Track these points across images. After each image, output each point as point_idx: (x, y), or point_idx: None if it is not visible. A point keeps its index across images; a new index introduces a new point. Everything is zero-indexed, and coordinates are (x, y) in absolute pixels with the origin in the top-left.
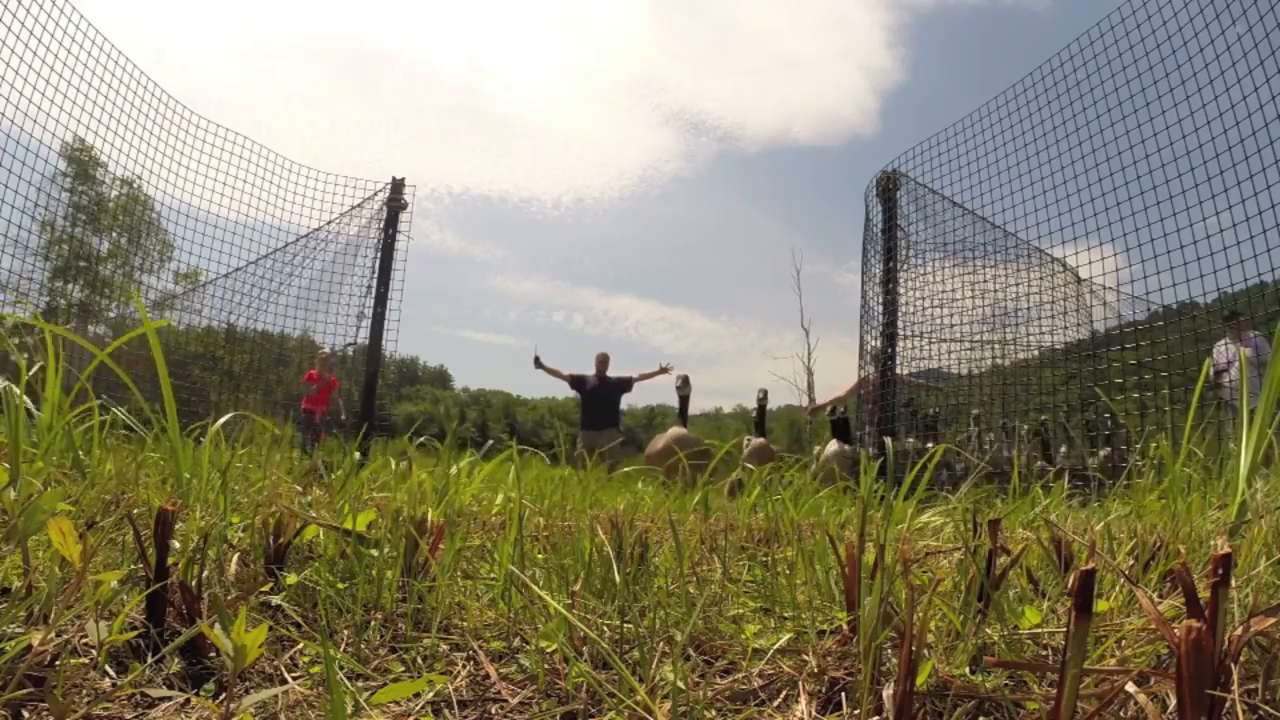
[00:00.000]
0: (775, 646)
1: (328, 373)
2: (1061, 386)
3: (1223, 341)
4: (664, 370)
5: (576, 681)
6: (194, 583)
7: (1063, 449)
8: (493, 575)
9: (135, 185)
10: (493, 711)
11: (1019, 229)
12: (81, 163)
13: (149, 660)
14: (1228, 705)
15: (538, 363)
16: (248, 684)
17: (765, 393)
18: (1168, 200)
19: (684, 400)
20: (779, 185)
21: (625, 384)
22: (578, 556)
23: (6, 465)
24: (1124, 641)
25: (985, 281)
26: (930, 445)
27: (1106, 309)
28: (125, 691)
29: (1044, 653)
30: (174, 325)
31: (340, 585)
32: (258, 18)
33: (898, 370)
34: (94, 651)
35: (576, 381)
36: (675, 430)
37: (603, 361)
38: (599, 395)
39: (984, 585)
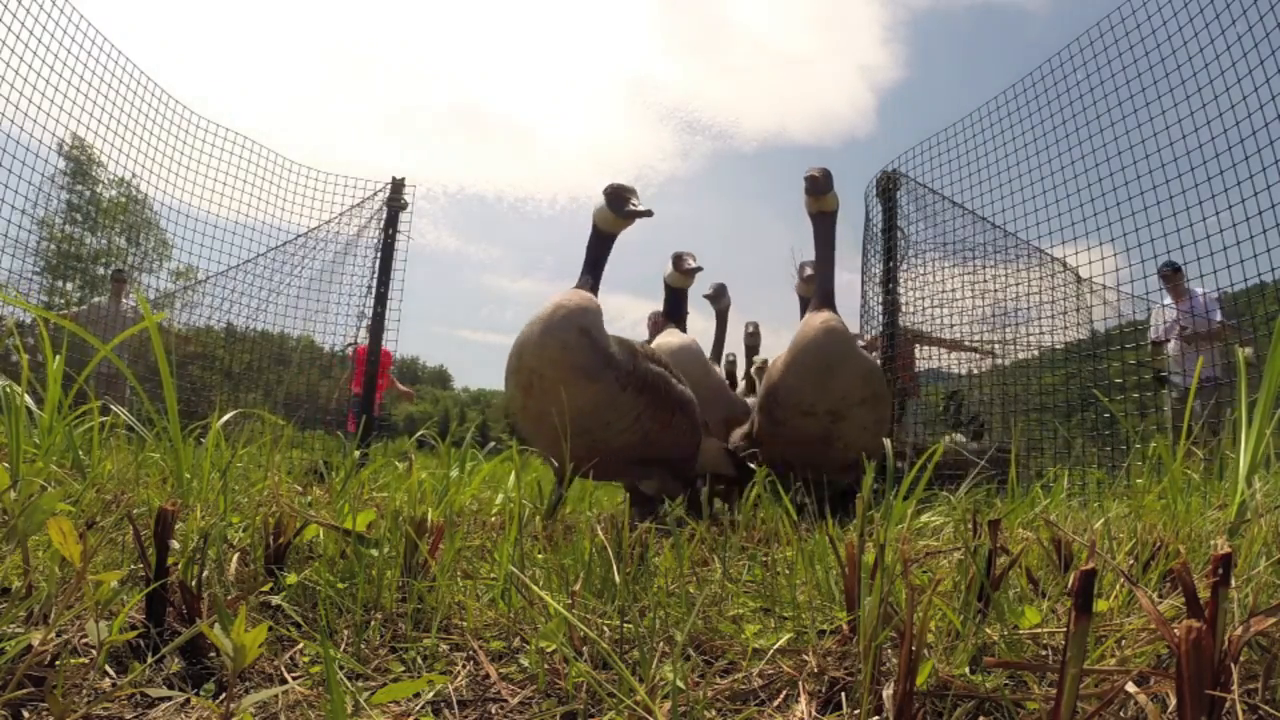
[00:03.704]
0: (775, 646)
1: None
2: (1061, 387)
3: (1160, 305)
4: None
5: (576, 681)
6: (194, 583)
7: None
8: (493, 575)
9: (133, 184)
10: (493, 711)
11: (1019, 229)
12: (79, 161)
13: (149, 660)
14: (1228, 705)
15: None
16: (248, 684)
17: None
18: (1168, 200)
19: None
20: (775, 184)
21: None
22: (578, 556)
23: (7, 465)
24: (1124, 641)
25: (985, 281)
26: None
27: (1106, 309)
28: (125, 691)
29: (1044, 653)
30: (174, 325)
31: (340, 585)
32: (255, 17)
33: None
34: (94, 651)
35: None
36: (669, 341)
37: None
38: None
39: (984, 585)
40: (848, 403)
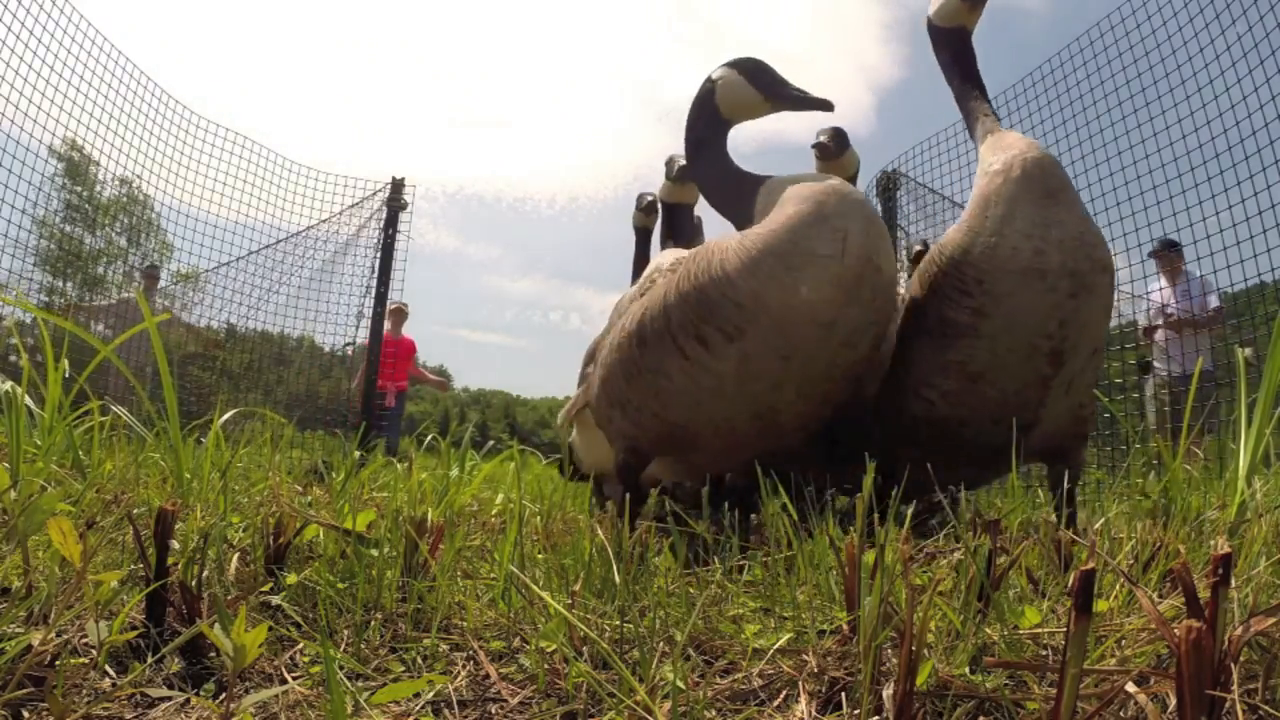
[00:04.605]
0: (775, 646)
1: (400, 334)
2: None
3: (1156, 288)
4: None
5: (576, 681)
6: (194, 583)
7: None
8: (493, 575)
9: (133, 185)
10: (493, 711)
11: None
12: (73, 161)
13: (149, 660)
14: (1228, 705)
15: None
16: (248, 684)
17: None
18: (1167, 200)
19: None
20: None
21: None
22: (578, 556)
23: (7, 465)
24: (1124, 641)
25: None
26: None
27: None
28: (125, 691)
29: (1044, 653)
30: (184, 322)
31: (340, 585)
32: (254, 17)
33: None
34: (94, 651)
35: None
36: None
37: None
38: None
39: (984, 585)
40: (1092, 259)
